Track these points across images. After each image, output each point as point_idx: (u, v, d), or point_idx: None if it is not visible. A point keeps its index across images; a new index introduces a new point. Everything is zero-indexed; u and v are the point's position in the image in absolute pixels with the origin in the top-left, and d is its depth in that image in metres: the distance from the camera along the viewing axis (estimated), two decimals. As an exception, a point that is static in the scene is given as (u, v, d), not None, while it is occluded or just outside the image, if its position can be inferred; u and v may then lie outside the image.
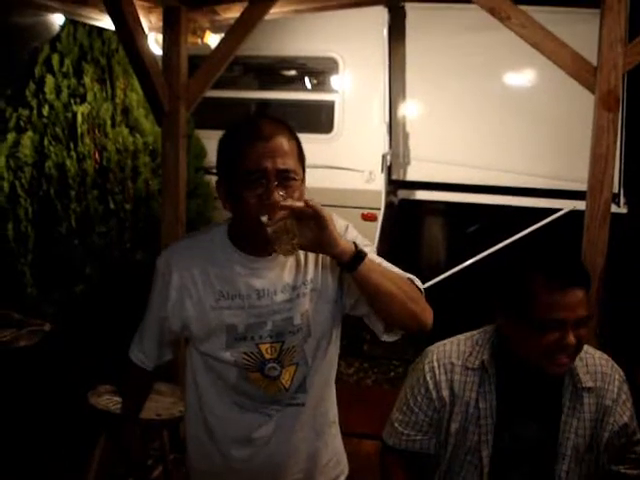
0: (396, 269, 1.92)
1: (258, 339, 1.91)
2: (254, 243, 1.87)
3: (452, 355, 2.11)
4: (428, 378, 2.10)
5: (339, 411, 2.21)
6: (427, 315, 1.86)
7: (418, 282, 1.92)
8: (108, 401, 3.57)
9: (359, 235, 1.96)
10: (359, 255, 1.76)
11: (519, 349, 2.00)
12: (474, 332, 2.17)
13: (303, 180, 1.85)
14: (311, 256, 1.94)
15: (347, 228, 1.95)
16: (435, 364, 2.11)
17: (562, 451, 2.01)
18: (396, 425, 2.16)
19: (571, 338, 1.90)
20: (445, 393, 2.07)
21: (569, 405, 2.03)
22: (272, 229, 1.70)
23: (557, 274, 1.93)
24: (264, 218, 1.72)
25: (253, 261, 1.91)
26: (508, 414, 2.04)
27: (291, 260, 1.92)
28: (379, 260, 1.90)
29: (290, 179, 1.79)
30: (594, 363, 2.09)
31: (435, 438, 2.11)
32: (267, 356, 1.93)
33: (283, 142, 1.80)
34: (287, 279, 1.92)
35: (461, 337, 2.17)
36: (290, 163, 1.80)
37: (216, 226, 2.01)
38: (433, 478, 2.14)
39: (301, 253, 1.92)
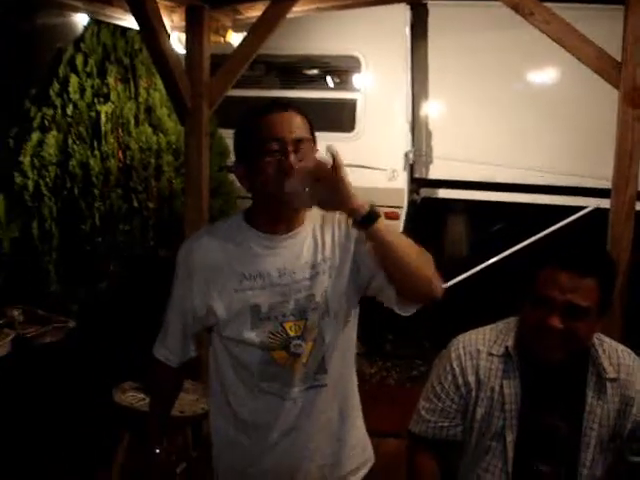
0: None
1: (282, 318, 1.95)
2: (272, 220, 1.95)
3: (478, 342, 2.16)
4: (455, 365, 2.15)
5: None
6: (438, 283, 1.90)
7: (428, 254, 1.95)
8: (132, 398, 3.59)
9: None
10: (374, 212, 1.81)
11: (522, 329, 2.07)
12: (499, 322, 2.21)
13: (316, 148, 1.92)
14: (328, 234, 1.99)
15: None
16: (461, 351, 2.16)
17: (586, 440, 2.04)
18: (423, 413, 2.19)
19: (555, 320, 1.94)
20: (471, 379, 2.12)
21: (593, 395, 2.06)
22: (290, 187, 1.77)
23: (562, 256, 1.99)
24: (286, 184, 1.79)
25: (271, 239, 1.96)
26: (532, 401, 2.06)
27: (309, 239, 1.97)
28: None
29: (305, 148, 1.87)
30: (617, 355, 2.11)
31: (461, 425, 2.14)
32: (292, 333, 1.95)
33: (296, 116, 1.90)
34: (306, 257, 1.96)
35: (486, 327, 2.22)
36: (304, 133, 1.88)
37: (231, 216, 2.09)
38: (459, 465, 2.16)
39: (319, 232, 1.98)
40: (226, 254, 1.97)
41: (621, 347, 2.15)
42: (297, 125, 1.88)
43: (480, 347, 2.14)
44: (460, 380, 2.13)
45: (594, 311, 1.97)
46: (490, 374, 2.10)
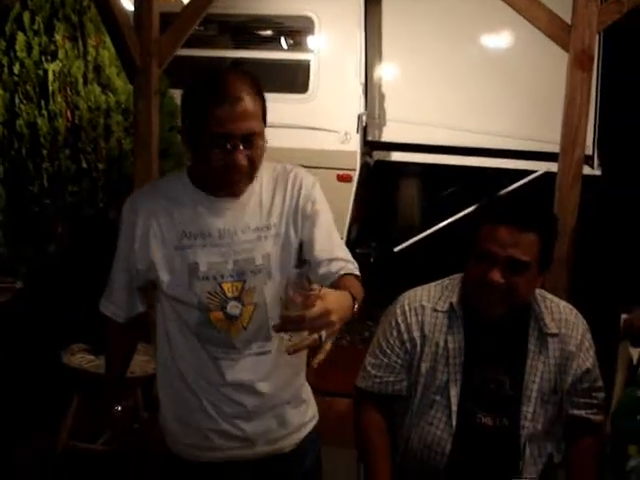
0: (341, 245, 2.04)
1: (220, 278, 1.95)
2: (216, 185, 1.95)
3: (423, 299, 2.19)
4: (400, 321, 2.18)
5: (314, 373, 2.21)
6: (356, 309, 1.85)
7: (356, 269, 1.99)
8: (82, 359, 3.59)
9: (321, 194, 2.04)
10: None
11: (466, 285, 2.12)
12: (444, 279, 2.25)
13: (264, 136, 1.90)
14: (277, 199, 2.00)
15: (313, 185, 2.04)
16: (407, 307, 2.19)
17: (527, 394, 2.08)
18: (369, 369, 2.21)
19: (496, 275, 1.97)
20: (416, 334, 2.14)
21: (534, 350, 2.10)
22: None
23: (499, 210, 2.03)
24: (285, 337, 1.70)
25: (214, 201, 1.97)
26: (476, 356, 2.10)
27: (253, 202, 1.98)
28: (328, 226, 2.02)
29: (255, 140, 1.86)
30: (559, 311, 2.16)
31: (407, 380, 2.17)
32: (229, 294, 1.96)
33: (249, 104, 1.84)
34: (248, 220, 1.97)
35: (432, 284, 2.25)
36: (255, 126, 1.86)
37: (176, 173, 2.10)
38: (404, 420, 2.18)
39: (266, 196, 1.99)
40: (168, 211, 1.97)
41: (563, 303, 2.20)
42: (249, 115, 1.84)
43: (425, 303, 2.17)
44: (405, 336, 2.16)
45: (534, 266, 2.00)
46: (435, 329, 2.14)
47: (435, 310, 2.16)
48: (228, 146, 1.82)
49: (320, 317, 1.62)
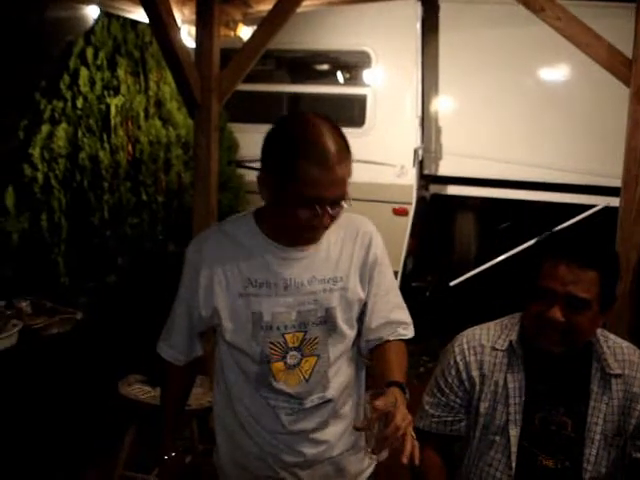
0: (399, 305, 2.06)
1: (284, 329, 1.92)
2: (290, 239, 1.90)
3: (482, 338, 2.16)
4: (458, 360, 2.14)
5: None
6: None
7: (408, 329, 2.05)
8: (139, 390, 3.60)
9: (384, 250, 2.03)
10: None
11: (525, 323, 2.07)
12: (504, 318, 2.21)
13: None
14: (346, 256, 1.97)
15: (379, 242, 2.02)
16: (465, 346, 2.15)
17: (590, 436, 2.03)
18: (427, 408, 2.18)
19: (556, 312, 1.94)
20: (475, 374, 2.11)
21: (597, 391, 2.05)
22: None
23: (559, 246, 2.00)
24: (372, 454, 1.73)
25: (283, 250, 1.92)
26: (537, 396, 2.06)
27: (322, 254, 1.95)
28: (388, 286, 2.04)
29: (342, 201, 1.80)
30: (622, 352, 2.10)
31: (465, 420, 2.14)
32: (290, 344, 1.94)
33: (345, 169, 1.76)
34: (315, 271, 1.93)
35: (490, 323, 2.21)
36: (345, 189, 1.78)
37: (242, 216, 2.02)
38: (463, 461, 2.15)
39: (334, 248, 1.96)
40: (235, 258, 1.92)
41: (626, 343, 2.14)
42: (342, 181, 1.76)
43: (484, 342, 2.14)
44: (464, 375, 2.13)
45: (595, 304, 1.96)
46: (494, 368, 2.10)
47: (494, 349, 2.12)
48: (317, 209, 1.75)
49: (401, 428, 1.67)
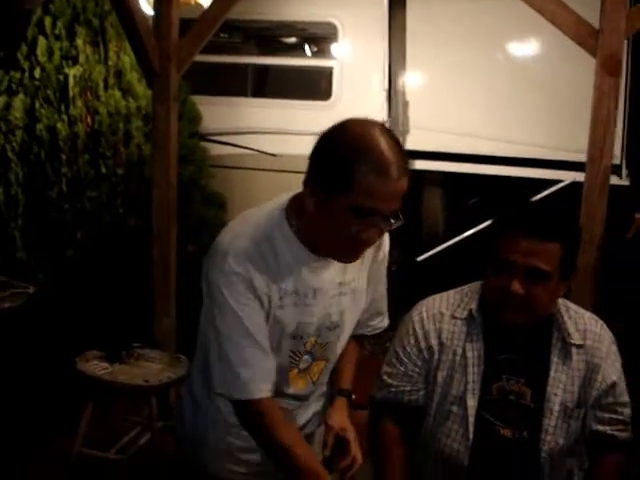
0: (386, 295, 2.11)
1: (306, 337, 1.86)
2: (330, 251, 1.78)
3: (441, 306, 2.14)
4: (417, 328, 2.12)
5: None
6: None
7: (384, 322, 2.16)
8: (96, 367, 3.55)
9: (388, 242, 2.00)
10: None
11: (486, 294, 2.06)
12: (463, 287, 2.19)
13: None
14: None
15: (383, 238, 1.93)
16: (424, 315, 2.13)
17: (549, 406, 2.01)
18: (385, 378, 2.16)
19: (516, 286, 1.91)
20: (434, 342, 2.09)
21: (557, 361, 2.03)
22: None
23: (521, 220, 1.96)
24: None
25: (315, 260, 1.81)
26: (496, 366, 2.04)
27: None
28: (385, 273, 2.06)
29: (395, 219, 1.68)
30: (584, 322, 2.09)
31: (424, 389, 2.10)
32: (305, 349, 1.90)
33: (403, 183, 1.64)
34: (333, 276, 1.86)
35: (450, 292, 2.19)
36: (399, 205, 1.67)
37: (275, 214, 1.81)
38: (420, 432, 2.12)
39: None
40: (273, 268, 1.75)
41: (588, 314, 2.13)
42: (397, 196, 1.64)
43: (443, 310, 2.12)
44: (422, 344, 2.10)
45: (555, 275, 1.93)
46: (453, 337, 2.07)
47: (454, 317, 2.09)
48: (371, 221, 1.64)
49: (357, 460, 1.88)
